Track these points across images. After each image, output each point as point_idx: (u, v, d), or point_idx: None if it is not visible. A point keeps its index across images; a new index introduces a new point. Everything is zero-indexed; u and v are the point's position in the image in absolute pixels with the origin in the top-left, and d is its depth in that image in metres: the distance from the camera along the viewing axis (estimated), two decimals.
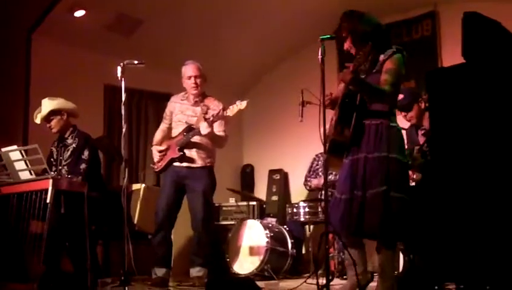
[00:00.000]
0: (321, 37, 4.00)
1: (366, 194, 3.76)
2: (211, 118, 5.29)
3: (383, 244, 3.83)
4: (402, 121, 5.74)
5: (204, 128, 5.27)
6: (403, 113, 5.08)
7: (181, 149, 5.44)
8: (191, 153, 5.49)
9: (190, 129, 5.44)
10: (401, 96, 5.06)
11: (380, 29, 4.02)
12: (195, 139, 5.42)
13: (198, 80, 5.54)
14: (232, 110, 5.19)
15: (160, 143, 5.67)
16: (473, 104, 2.68)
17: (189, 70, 5.56)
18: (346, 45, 4.07)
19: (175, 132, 5.61)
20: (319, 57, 3.97)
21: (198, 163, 5.50)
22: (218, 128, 5.48)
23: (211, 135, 5.38)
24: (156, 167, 5.66)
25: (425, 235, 4.27)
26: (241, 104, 5.13)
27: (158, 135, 5.79)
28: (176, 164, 5.50)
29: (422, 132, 5.05)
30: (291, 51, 8.02)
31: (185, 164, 5.49)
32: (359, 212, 3.76)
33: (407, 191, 3.82)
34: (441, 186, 2.87)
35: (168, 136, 5.69)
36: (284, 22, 7.21)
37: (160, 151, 5.60)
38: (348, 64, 3.88)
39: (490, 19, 2.78)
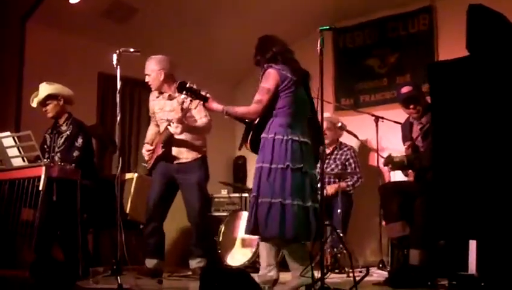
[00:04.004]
0: (320, 28, 4.00)
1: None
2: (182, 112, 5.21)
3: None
4: (398, 116, 5.77)
5: (173, 129, 5.22)
6: (411, 106, 5.01)
7: (164, 146, 5.40)
8: (179, 149, 5.45)
9: (169, 125, 5.35)
10: (408, 88, 5.07)
11: (274, 52, 4.35)
12: (181, 135, 5.36)
13: (147, 78, 5.52)
14: (194, 103, 5.10)
15: (151, 141, 5.65)
16: (476, 97, 2.65)
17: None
18: None
19: (161, 130, 5.55)
20: (318, 48, 3.96)
21: (188, 158, 5.46)
22: (199, 116, 5.41)
23: (188, 129, 5.32)
24: (147, 165, 5.66)
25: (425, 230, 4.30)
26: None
27: (149, 132, 5.78)
28: (165, 161, 5.47)
29: (420, 126, 5.02)
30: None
31: (174, 162, 5.45)
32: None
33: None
34: (443, 181, 2.84)
35: (158, 132, 5.64)
36: (279, 12, 7.16)
37: (148, 150, 5.57)
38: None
39: (494, 11, 2.76)
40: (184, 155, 5.45)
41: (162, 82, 5.49)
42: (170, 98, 5.48)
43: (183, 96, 4.67)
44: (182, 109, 5.18)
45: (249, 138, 4.31)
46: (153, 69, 5.48)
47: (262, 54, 4.37)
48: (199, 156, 5.49)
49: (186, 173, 5.43)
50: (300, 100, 4.29)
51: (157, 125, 5.65)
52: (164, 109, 5.52)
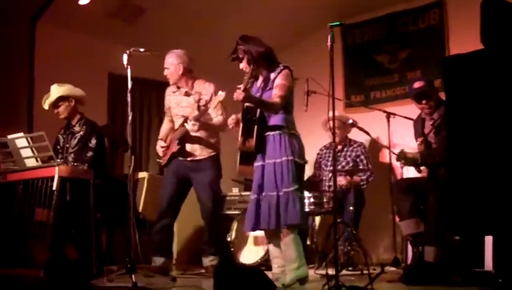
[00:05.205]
0: (330, 24, 3.97)
1: (280, 192, 4.25)
2: (199, 111, 5.24)
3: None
4: (409, 112, 5.74)
5: (190, 126, 5.28)
6: (424, 101, 5.00)
7: (179, 143, 5.39)
8: (193, 146, 5.45)
9: (186, 122, 5.37)
10: (421, 83, 5.06)
11: (270, 51, 4.46)
12: (196, 132, 5.38)
13: (166, 71, 5.51)
14: (212, 104, 5.15)
15: (165, 137, 5.65)
16: (491, 91, 2.63)
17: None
18: (243, 66, 4.48)
19: (176, 125, 5.57)
20: (328, 44, 3.94)
21: (202, 155, 5.47)
22: (215, 114, 5.41)
23: (204, 126, 5.36)
24: (161, 161, 5.66)
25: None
26: (219, 96, 5.03)
27: (163, 128, 5.77)
28: (180, 157, 5.47)
29: (432, 122, 5.00)
30: (295, 40, 7.94)
31: (188, 158, 5.46)
32: (277, 208, 4.23)
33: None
34: (458, 177, 2.82)
35: (173, 128, 5.65)
36: (287, 10, 7.14)
37: (162, 147, 5.58)
38: (238, 86, 4.26)
39: (509, 3, 2.73)
40: (198, 152, 5.46)
41: (180, 76, 5.50)
42: (187, 94, 5.49)
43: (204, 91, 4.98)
44: (199, 107, 5.20)
45: (255, 134, 4.34)
46: (172, 63, 5.49)
47: (251, 53, 4.43)
48: (213, 153, 5.50)
49: (200, 172, 5.44)
50: None
51: (172, 121, 5.66)
52: (181, 105, 5.53)
